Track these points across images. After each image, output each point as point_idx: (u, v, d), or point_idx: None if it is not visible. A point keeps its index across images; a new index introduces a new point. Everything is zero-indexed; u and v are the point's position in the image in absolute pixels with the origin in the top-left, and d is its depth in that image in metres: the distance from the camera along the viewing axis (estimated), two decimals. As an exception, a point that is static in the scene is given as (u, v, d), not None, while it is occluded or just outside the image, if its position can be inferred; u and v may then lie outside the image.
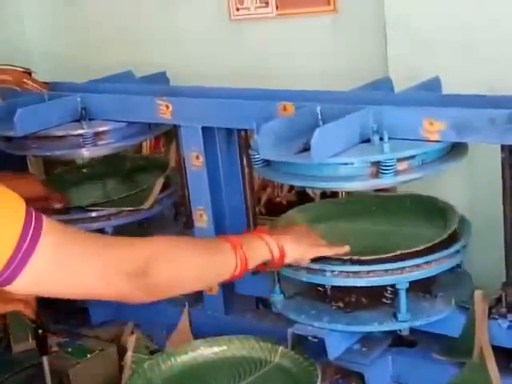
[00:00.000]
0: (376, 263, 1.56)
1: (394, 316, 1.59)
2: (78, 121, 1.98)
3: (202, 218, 1.90)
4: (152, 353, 1.85)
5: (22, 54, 2.70)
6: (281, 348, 1.66)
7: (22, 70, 2.21)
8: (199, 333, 1.91)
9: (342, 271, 1.58)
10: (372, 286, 1.60)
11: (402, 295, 1.57)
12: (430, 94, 1.70)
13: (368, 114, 1.54)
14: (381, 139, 1.50)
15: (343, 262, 1.58)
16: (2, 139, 2.05)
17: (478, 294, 1.57)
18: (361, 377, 1.65)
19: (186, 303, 2.01)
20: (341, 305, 1.67)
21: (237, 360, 1.69)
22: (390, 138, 1.48)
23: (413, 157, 1.51)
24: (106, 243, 1.33)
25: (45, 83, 2.21)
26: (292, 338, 1.64)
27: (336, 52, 2.23)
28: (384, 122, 1.53)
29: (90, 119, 1.97)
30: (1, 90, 2.13)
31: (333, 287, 1.66)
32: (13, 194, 1.20)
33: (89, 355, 1.76)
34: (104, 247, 1.30)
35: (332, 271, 1.58)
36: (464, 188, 2.00)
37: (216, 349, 1.73)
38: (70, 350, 1.79)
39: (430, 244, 1.58)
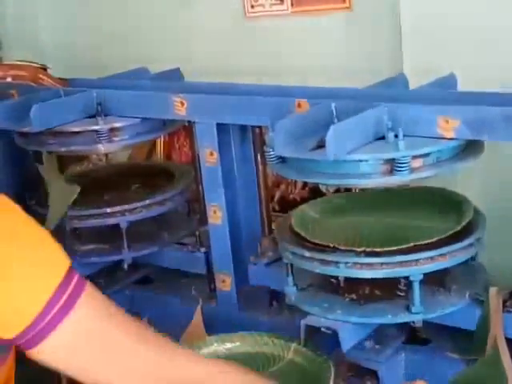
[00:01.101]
0: (390, 255, 1.55)
1: (408, 308, 1.59)
2: (93, 117, 1.98)
3: (216, 214, 1.91)
4: (165, 348, 1.86)
5: (36, 51, 2.71)
6: (294, 344, 1.67)
7: (37, 65, 2.22)
8: (213, 329, 1.92)
9: (355, 263, 1.57)
10: (386, 278, 1.59)
11: (416, 287, 1.56)
12: (445, 92, 1.70)
13: (383, 111, 1.54)
14: (396, 136, 1.50)
15: (357, 253, 1.57)
16: (17, 135, 2.06)
17: (492, 290, 1.57)
18: (374, 374, 1.65)
19: (200, 300, 2.02)
20: (354, 297, 1.66)
21: (250, 356, 1.69)
22: (404, 136, 1.48)
23: (428, 154, 1.50)
24: (147, 339, 1.16)
25: (60, 79, 2.21)
26: (305, 329, 1.63)
27: (351, 49, 2.23)
28: (399, 119, 1.52)
29: (106, 115, 1.97)
30: (17, 85, 2.14)
31: (346, 279, 1.66)
32: (57, 245, 1.09)
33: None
34: (146, 344, 1.15)
35: (346, 263, 1.57)
36: (479, 184, 1.99)
37: (229, 345, 1.73)
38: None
39: (444, 236, 1.57)
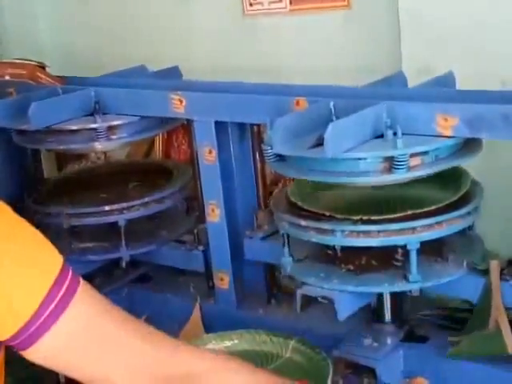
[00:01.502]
0: (387, 223, 1.54)
1: (405, 278, 1.58)
2: (91, 115, 1.98)
3: (214, 212, 1.91)
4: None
5: (35, 49, 2.71)
6: (292, 342, 1.67)
7: (35, 63, 2.22)
8: (211, 327, 1.92)
9: (352, 231, 1.55)
10: (383, 249, 1.58)
11: (413, 256, 1.55)
12: (443, 90, 1.70)
13: (381, 109, 1.54)
14: (394, 134, 1.50)
15: (354, 221, 1.56)
16: (16, 133, 2.06)
17: (493, 262, 1.56)
18: (372, 372, 1.65)
19: (198, 297, 2.02)
20: (351, 267, 1.65)
21: (248, 354, 1.69)
22: (403, 134, 1.48)
23: (426, 152, 1.51)
24: (145, 334, 1.14)
25: (58, 77, 2.21)
26: (301, 299, 1.63)
27: (349, 47, 2.23)
28: (397, 118, 1.52)
29: (104, 113, 1.98)
30: (15, 83, 2.14)
31: (343, 249, 1.65)
32: (50, 245, 1.08)
33: (101, 348, 1.77)
34: (143, 340, 1.12)
35: (342, 231, 1.55)
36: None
37: (227, 343, 1.73)
38: (82, 342, 1.79)
39: (442, 204, 1.56)
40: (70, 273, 1.08)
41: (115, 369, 1.11)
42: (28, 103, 1.88)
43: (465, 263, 1.61)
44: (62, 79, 2.21)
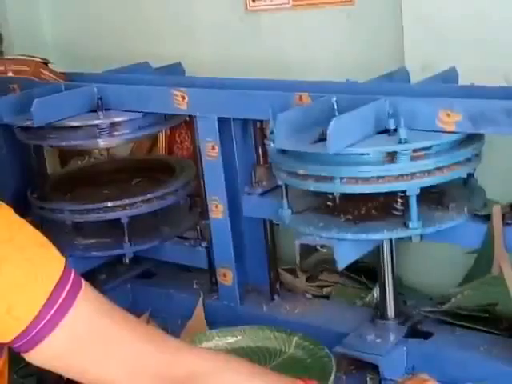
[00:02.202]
0: (386, 166, 1.50)
1: (405, 225, 1.55)
2: (94, 111, 1.98)
3: (217, 208, 1.91)
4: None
5: (38, 46, 2.71)
6: (296, 338, 1.67)
7: (38, 60, 2.22)
8: (214, 323, 1.92)
9: (351, 178, 1.51)
10: (382, 198, 1.57)
11: (413, 202, 1.52)
12: (446, 85, 1.70)
13: (384, 105, 1.54)
14: (396, 130, 1.50)
15: (352, 166, 1.52)
16: (18, 129, 2.06)
17: (496, 207, 1.55)
18: (375, 368, 1.64)
19: (201, 293, 2.02)
20: (350, 217, 1.63)
21: (251, 350, 1.69)
22: (406, 129, 1.48)
23: (429, 148, 1.50)
24: (147, 335, 1.13)
25: (61, 73, 2.21)
26: (300, 249, 1.60)
27: (352, 43, 2.22)
28: (400, 113, 1.52)
29: (107, 109, 1.97)
30: (18, 80, 2.14)
31: (342, 200, 1.63)
32: (51, 246, 1.08)
33: (104, 344, 1.77)
34: (146, 341, 1.11)
35: (341, 178, 1.52)
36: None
37: (230, 339, 1.73)
38: (85, 338, 1.80)
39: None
40: (72, 275, 1.07)
41: (118, 370, 1.10)
42: (31, 100, 1.88)
43: (466, 209, 1.59)
44: (65, 75, 2.21)
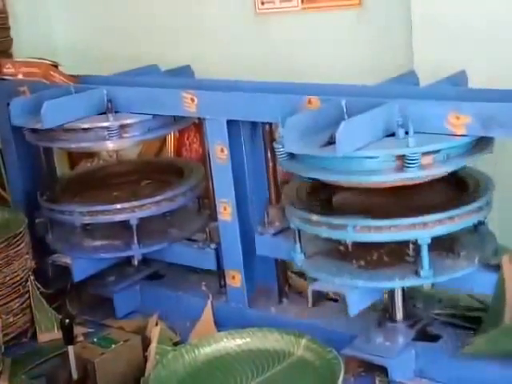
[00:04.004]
0: (398, 218, 1.54)
1: (416, 273, 1.58)
2: (103, 113, 1.99)
3: (226, 210, 1.91)
4: (176, 344, 1.87)
5: (48, 48, 2.72)
6: (304, 340, 1.67)
7: (49, 62, 2.23)
8: (222, 325, 1.92)
9: (363, 226, 1.55)
10: (394, 245, 1.58)
11: (425, 251, 1.55)
12: (455, 88, 1.70)
13: (393, 108, 1.54)
14: (406, 133, 1.50)
15: (365, 216, 1.56)
16: (29, 131, 2.07)
17: (505, 257, 1.56)
18: (384, 370, 1.65)
19: (210, 295, 2.02)
20: (362, 263, 1.65)
21: (260, 352, 1.69)
22: (415, 132, 1.48)
23: (438, 151, 1.51)
24: None
25: (71, 76, 2.22)
26: (312, 294, 1.63)
27: (361, 46, 2.22)
28: (409, 116, 1.52)
29: (116, 112, 1.98)
30: (28, 82, 2.15)
31: (354, 246, 1.65)
32: None
33: (113, 345, 1.78)
34: None
35: (354, 226, 1.55)
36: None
37: (239, 341, 1.73)
38: (95, 340, 1.80)
39: (454, 200, 1.57)
40: None
41: None
42: (41, 102, 1.89)
43: (476, 258, 1.61)
44: (75, 78, 2.22)
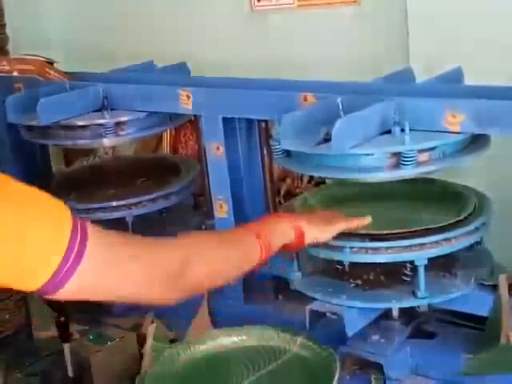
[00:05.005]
0: (395, 239, 1.56)
1: (413, 293, 1.59)
2: (99, 110, 1.99)
3: (222, 208, 1.91)
4: (172, 341, 1.87)
5: (43, 45, 2.72)
6: (300, 338, 1.67)
7: (44, 59, 2.23)
8: (218, 323, 1.92)
9: (360, 247, 1.57)
10: (391, 264, 1.59)
11: (421, 272, 1.56)
12: (451, 85, 1.70)
13: (389, 105, 1.54)
14: (402, 130, 1.50)
15: (362, 238, 1.58)
16: (24, 128, 2.06)
17: (502, 277, 1.56)
18: (380, 368, 1.65)
19: (205, 293, 2.02)
20: (359, 282, 1.67)
21: (255, 350, 1.69)
22: (411, 130, 1.48)
23: (434, 148, 1.50)
24: (147, 245, 1.33)
25: (66, 73, 2.22)
26: (310, 315, 1.64)
27: (357, 43, 2.23)
28: (405, 113, 1.52)
29: (112, 109, 1.98)
30: (23, 79, 2.15)
31: (351, 265, 1.66)
32: (59, 202, 1.22)
33: (109, 343, 1.78)
34: (147, 250, 1.31)
35: (351, 247, 1.58)
36: (482, 173, 1.99)
37: (235, 338, 1.73)
38: (91, 337, 1.81)
39: (449, 221, 1.58)
40: (79, 219, 1.21)
41: (136, 277, 1.27)
42: (36, 99, 1.88)
43: (473, 279, 1.62)
44: (70, 75, 2.22)
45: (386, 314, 1.74)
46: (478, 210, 1.65)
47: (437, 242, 1.56)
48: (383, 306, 1.63)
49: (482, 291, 1.62)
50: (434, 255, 1.57)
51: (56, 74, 2.19)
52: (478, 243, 1.68)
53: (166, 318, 2.00)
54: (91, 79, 2.13)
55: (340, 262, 1.68)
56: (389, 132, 1.53)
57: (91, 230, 1.22)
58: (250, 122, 1.90)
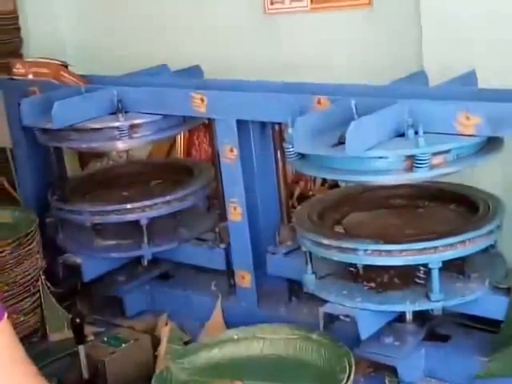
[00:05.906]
0: (409, 242, 1.55)
1: (427, 296, 1.59)
2: (114, 113, 1.99)
3: (236, 211, 1.91)
4: (185, 343, 1.88)
5: (59, 49, 2.73)
6: (314, 335, 1.67)
7: (58, 62, 2.24)
8: (232, 325, 1.92)
9: (374, 250, 1.57)
10: (405, 267, 1.59)
11: (435, 275, 1.56)
12: (465, 88, 1.70)
13: (403, 108, 1.54)
14: (416, 133, 1.50)
15: (376, 240, 1.58)
16: (39, 131, 2.08)
17: None
18: (394, 370, 1.64)
19: (220, 295, 2.03)
20: (373, 285, 1.67)
21: (271, 343, 1.69)
22: (424, 132, 1.48)
23: (448, 151, 1.50)
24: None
25: (81, 76, 2.23)
26: (324, 317, 1.64)
27: (370, 46, 2.22)
28: (419, 116, 1.52)
29: (126, 112, 1.99)
30: (38, 82, 2.16)
31: (365, 267, 1.66)
32: None
33: (124, 345, 1.78)
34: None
35: (365, 250, 1.57)
36: (496, 176, 1.98)
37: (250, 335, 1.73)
38: (105, 339, 1.81)
39: (464, 224, 1.58)
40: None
41: None
42: (51, 102, 1.89)
43: (487, 282, 1.62)
44: (85, 78, 2.23)
45: (400, 317, 1.74)
46: (492, 212, 1.65)
47: (451, 245, 1.56)
48: (397, 308, 1.63)
49: (496, 294, 1.62)
50: (448, 258, 1.56)
51: (71, 77, 2.20)
52: (492, 246, 1.67)
53: (180, 321, 2.01)
54: (105, 82, 2.14)
55: (354, 265, 1.68)
56: (402, 135, 1.53)
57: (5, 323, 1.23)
58: (263, 124, 1.91)
